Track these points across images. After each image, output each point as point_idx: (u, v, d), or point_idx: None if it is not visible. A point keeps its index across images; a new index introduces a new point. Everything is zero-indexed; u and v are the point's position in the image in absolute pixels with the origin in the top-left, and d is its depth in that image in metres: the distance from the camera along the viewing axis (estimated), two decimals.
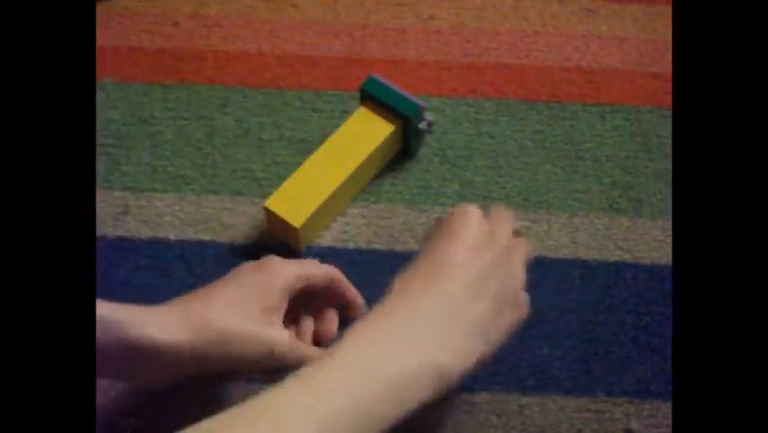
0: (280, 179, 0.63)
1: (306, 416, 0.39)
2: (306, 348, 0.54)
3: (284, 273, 0.53)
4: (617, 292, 0.62)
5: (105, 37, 0.74)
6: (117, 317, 0.46)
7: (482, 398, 0.56)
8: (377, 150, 0.64)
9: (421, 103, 0.64)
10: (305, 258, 0.59)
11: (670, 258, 0.63)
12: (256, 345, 0.50)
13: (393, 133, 0.64)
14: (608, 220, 0.65)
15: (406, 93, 0.65)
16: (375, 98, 0.65)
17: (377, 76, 0.65)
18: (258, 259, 0.55)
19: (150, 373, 0.48)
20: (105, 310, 0.46)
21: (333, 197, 0.62)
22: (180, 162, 0.67)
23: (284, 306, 0.53)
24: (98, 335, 0.44)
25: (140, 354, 0.46)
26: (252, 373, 0.54)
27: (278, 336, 0.51)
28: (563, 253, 0.63)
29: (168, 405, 0.54)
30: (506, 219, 0.52)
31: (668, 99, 0.73)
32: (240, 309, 0.50)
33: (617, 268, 0.63)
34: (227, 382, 0.55)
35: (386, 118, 0.65)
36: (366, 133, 0.64)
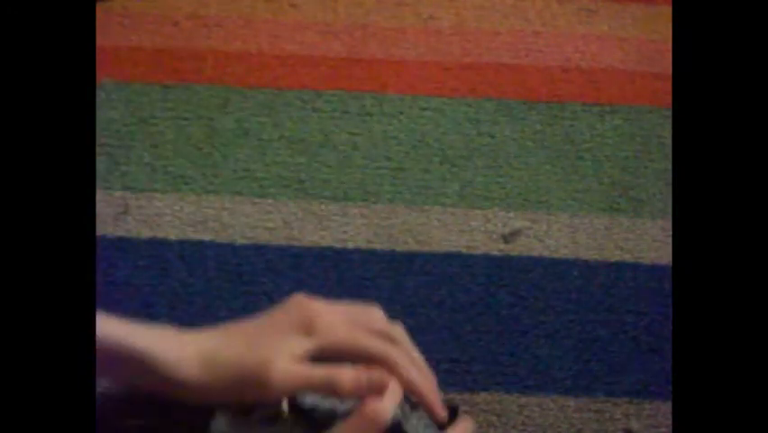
0: (280, 178, 0.63)
1: None
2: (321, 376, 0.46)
3: (326, 336, 0.47)
4: (617, 292, 0.62)
5: (105, 37, 0.74)
6: (135, 347, 0.45)
7: (482, 398, 0.56)
8: None
9: None
10: (305, 257, 0.59)
11: (670, 258, 0.63)
12: (270, 387, 0.46)
13: None
14: (608, 220, 0.65)
15: None
16: None
17: None
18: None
19: (152, 388, 0.48)
20: (120, 331, 0.45)
21: None
22: (180, 162, 0.67)
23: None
24: (103, 347, 0.44)
25: (146, 376, 0.46)
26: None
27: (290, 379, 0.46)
28: (563, 253, 0.63)
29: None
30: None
31: (668, 99, 0.73)
32: (257, 349, 0.47)
33: (617, 268, 0.63)
34: None
35: None
36: None
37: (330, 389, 0.46)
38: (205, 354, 0.47)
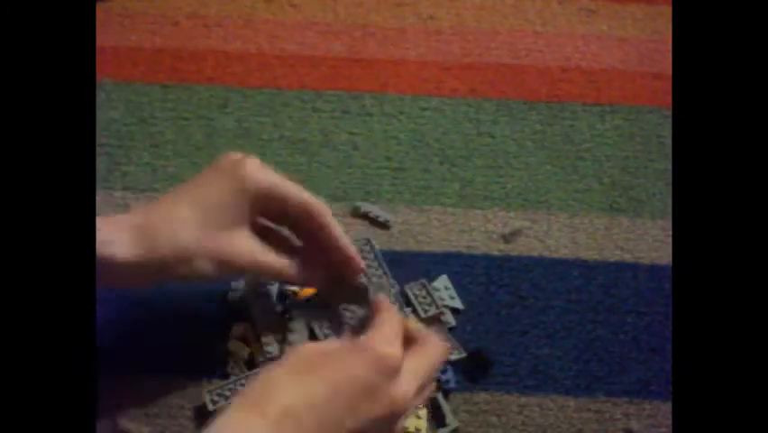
0: None
1: None
2: (273, 261, 0.51)
3: (255, 180, 0.50)
4: (617, 292, 0.62)
5: (105, 37, 0.75)
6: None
7: (482, 398, 0.56)
8: None
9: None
10: None
11: (670, 258, 0.63)
12: (215, 260, 0.49)
13: None
14: (607, 220, 0.65)
15: None
16: None
17: None
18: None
19: (107, 280, 0.47)
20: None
21: None
22: (180, 162, 0.67)
23: (251, 217, 0.51)
24: None
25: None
26: (214, 280, 0.52)
27: (239, 249, 0.50)
28: (563, 253, 0.63)
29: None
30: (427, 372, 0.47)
31: (668, 99, 0.73)
32: (199, 223, 0.49)
33: (617, 268, 0.63)
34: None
35: None
36: None
37: (277, 273, 0.52)
38: (140, 229, 0.47)
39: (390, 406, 0.43)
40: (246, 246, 0.50)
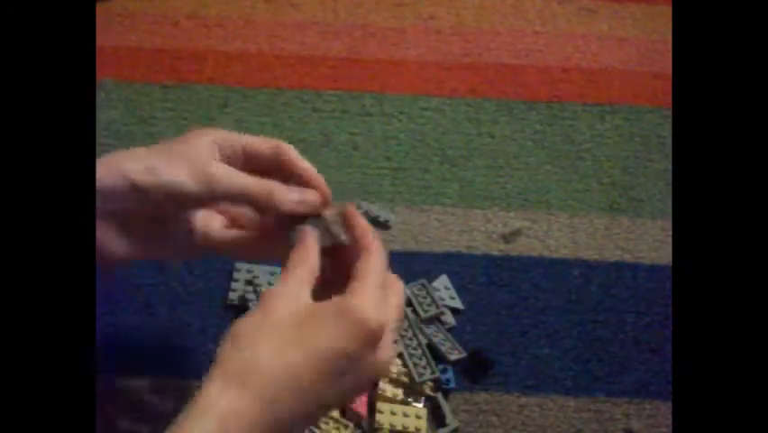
0: None
1: None
2: (246, 178, 0.47)
3: (216, 132, 0.48)
4: (617, 292, 0.62)
5: (105, 37, 0.75)
6: None
7: (482, 398, 0.56)
8: None
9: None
10: None
11: (670, 258, 0.63)
12: (195, 172, 0.46)
13: None
14: (608, 220, 0.65)
15: None
16: None
17: None
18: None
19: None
20: None
21: None
22: None
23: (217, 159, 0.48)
24: None
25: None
26: (196, 207, 0.49)
27: (220, 168, 0.46)
28: (563, 253, 0.63)
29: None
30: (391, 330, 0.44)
31: (668, 99, 0.73)
32: (170, 148, 0.47)
33: (617, 268, 0.63)
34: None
35: None
36: None
37: (267, 198, 0.46)
38: (111, 165, 0.47)
39: (373, 373, 0.42)
40: (225, 169, 0.46)
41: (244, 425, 0.39)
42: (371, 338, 0.41)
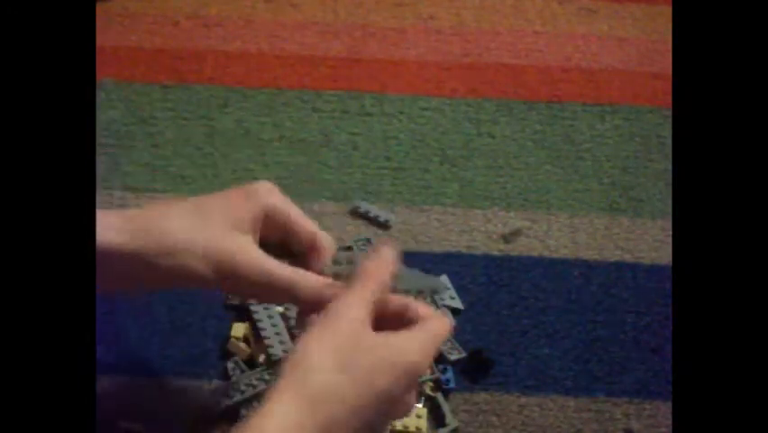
0: (280, 179, 0.63)
1: None
2: (269, 271, 0.45)
3: (263, 194, 0.47)
4: (617, 292, 0.62)
5: (105, 37, 0.75)
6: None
7: (482, 398, 0.56)
8: None
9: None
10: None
11: (670, 258, 0.63)
12: (212, 260, 0.45)
13: None
14: (608, 220, 0.65)
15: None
16: None
17: None
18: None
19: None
20: None
21: None
22: (180, 162, 0.67)
23: (255, 226, 0.46)
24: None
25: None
26: (212, 287, 0.47)
27: (244, 254, 0.45)
28: (563, 253, 0.63)
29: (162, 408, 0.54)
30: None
31: (668, 99, 0.73)
32: (195, 219, 0.45)
33: (617, 268, 0.63)
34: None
35: None
36: None
37: (290, 292, 0.46)
38: (131, 217, 0.46)
39: (403, 413, 0.44)
40: (252, 253, 0.45)
41: None
42: (414, 383, 0.44)
